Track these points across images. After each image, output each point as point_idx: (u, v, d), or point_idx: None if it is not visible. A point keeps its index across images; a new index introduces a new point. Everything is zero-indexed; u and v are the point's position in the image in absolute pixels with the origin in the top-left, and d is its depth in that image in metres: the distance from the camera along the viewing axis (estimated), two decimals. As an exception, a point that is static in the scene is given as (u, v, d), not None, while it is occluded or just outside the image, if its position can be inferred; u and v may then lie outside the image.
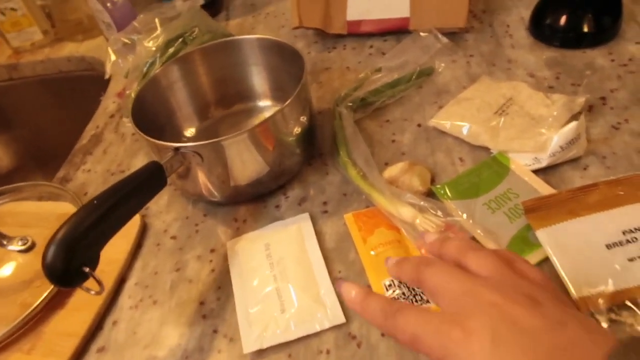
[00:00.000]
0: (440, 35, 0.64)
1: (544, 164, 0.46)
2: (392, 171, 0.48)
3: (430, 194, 0.48)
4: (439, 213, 0.44)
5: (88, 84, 0.91)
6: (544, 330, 0.24)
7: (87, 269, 0.36)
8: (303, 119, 0.51)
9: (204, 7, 0.83)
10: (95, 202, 0.38)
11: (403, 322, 0.28)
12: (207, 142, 0.45)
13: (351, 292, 0.31)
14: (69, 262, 0.35)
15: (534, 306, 0.25)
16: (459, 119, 0.52)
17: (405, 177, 0.47)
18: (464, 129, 0.51)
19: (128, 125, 0.66)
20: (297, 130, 0.50)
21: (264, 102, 0.62)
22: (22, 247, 0.48)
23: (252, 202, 0.52)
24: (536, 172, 0.46)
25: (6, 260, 0.50)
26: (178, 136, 0.60)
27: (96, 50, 0.86)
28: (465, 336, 0.25)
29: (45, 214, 0.55)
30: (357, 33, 0.71)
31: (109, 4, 0.77)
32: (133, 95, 0.61)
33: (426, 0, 0.67)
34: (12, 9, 0.86)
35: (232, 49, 0.58)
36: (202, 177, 0.49)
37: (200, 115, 0.62)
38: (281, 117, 0.48)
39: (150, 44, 0.63)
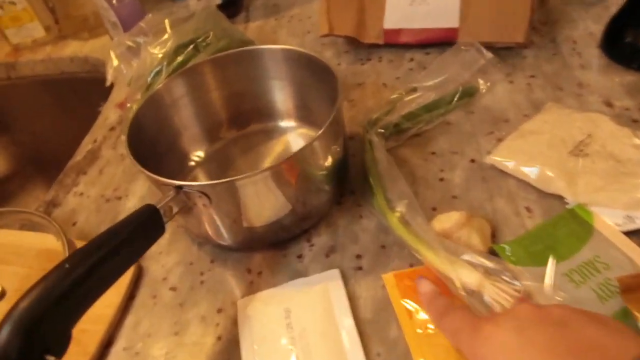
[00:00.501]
0: (484, 50, 0.55)
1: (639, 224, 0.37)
2: (444, 222, 0.39)
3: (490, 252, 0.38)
4: (509, 278, 0.35)
5: (91, 86, 0.83)
6: (569, 327, 0.25)
7: (51, 358, 0.27)
8: (335, 149, 0.42)
9: (221, 7, 0.75)
10: (67, 265, 0.29)
11: (450, 319, 0.31)
12: (216, 183, 0.36)
13: (426, 287, 0.35)
14: (28, 349, 0.26)
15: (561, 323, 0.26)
16: (526, 159, 0.43)
17: (462, 232, 0.37)
18: (533, 171, 0.42)
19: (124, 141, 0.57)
20: (327, 163, 0.41)
21: (287, 122, 0.53)
22: (-11, 298, 0.40)
23: (270, 249, 0.43)
24: (629, 234, 0.37)
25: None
26: (183, 161, 0.51)
27: (101, 50, 0.78)
28: (494, 328, 0.27)
29: (24, 248, 0.47)
30: (396, 43, 0.61)
31: (114, 1, 0.68)
32: (133, 109, 0.53)
33: (479, 8, 0.57)
34: (11, 2, 0.78)
35: (250, 60, 0.49)
36: (209, 219, 0.40)
37: (210, 135, 0.53)
38: (311, 150, 0.38)
39: (157, 50, 0.55)
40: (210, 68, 0.50)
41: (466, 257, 0.36)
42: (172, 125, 0.50)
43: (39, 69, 0.82)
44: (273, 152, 0.51)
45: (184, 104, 0.50)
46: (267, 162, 0.50)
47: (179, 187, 0.37)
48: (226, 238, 0.42)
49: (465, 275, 0.35)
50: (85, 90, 0.84)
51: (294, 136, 0.52)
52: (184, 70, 0.49)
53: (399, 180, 0.43)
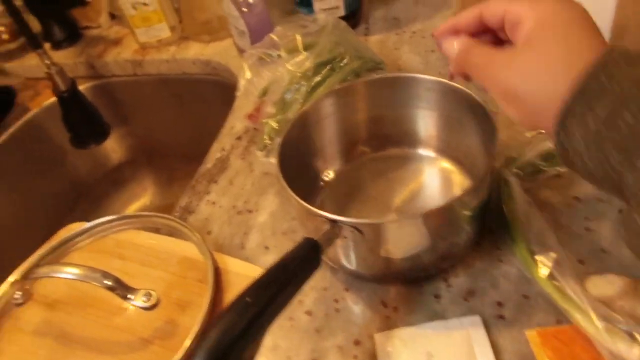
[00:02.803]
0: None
1: None
2: (603, 288, 0.37)
3: (649, 321, 0.36)
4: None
5: (209, 88, 0.86)
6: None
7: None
8: (483, 193, 0.41)
9: (343, 18, 0.75)
10: (248, 299, 0.31)
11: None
12: (373, 223, 0.37)
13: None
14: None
15: None
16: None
17: (625, 302, 0.35)
18: (700, 234, 0.39)
19: (259, 156, 0.59)
20: (473, 205, 0.40)
21: (426, 151, 0.52)
22: (146, 305, 0.43)
23: (404, 283, 0.43)
24: None
25: (124, 314, 0.45)
26: (315, 180, 0.52)
27: (222, 54, 0.81)
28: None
29: (166, 254, 0.50)
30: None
31: (245, 9, 0.70)
32: (271, 124, 0.54)
33: None
34: (144, 4, 0.82)
35: (403, 86, 0.49)
36: (349, 249, 0.41)
37: (343, 155, 0.53)
38: (467, 197, 0.38)
39: (295, 67, 0.56)
40: (362, 90, 0.50)
41: (625, 327, 0.34)
42: (312, 144, 0.51)
43: (163, 69, 0.86)
44: (406, 181, 0.51)
45: (329, 123, 0.51)
46: (400, 191, 0.50)
47: (334, 221, 0.38)
48: (363, 268, 0.43)
49: (624, 350, 0.33)
50: (203, 90, 0.88)
51: (430, 167, 0.51)
52: (336, 90, 0.49)
53: (543, 229, 0.41)
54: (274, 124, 0.56)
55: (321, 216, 0.38)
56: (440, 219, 0.38)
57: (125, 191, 1.03)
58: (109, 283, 0.41)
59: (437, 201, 0.48)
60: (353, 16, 0.76)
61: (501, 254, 0.43)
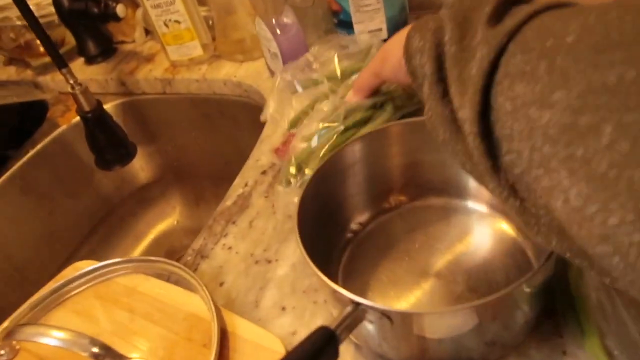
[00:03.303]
0: None
1: None
2: None
3: None
4: None
5: (240, 109, 0.82)
6: None
7: None
8: (547, 269, 0.33)
9: (385, 41, 0.68)
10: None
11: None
12: (409, 312, 0.30)
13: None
14: None
15: None
16: None
17: None
18: None
19: (281, 193, 0.53)
20: (534, 284, 0.33)
21: (477, 205, 0.44)
22: (140, 376, 0.37)
23: (443, 372, 0.36)
24: None
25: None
26: (343, 232, 0.46)
27: (254, 77, 0.76)
28: None
29: (172, 307, 0.45)
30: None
31: (278, 31, 0.65)
32: (292, 162, 0.48)
33: None
34: (176, 22, 0.79)
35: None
36: (379, 337, 0.34)
37: (374, 204, 0.47)
38: (531, 280, 0.30)
39: (326, 107, 0.49)
40: (397, 133, 0.43)
41: None
42: (339, 193, 0.44)
43: (193, 88, 0.82)
44: (450, 238, 0.43)
45: (358, 170, 0.44)
46: (441, 250, 0.43)
47: (357, 304, 0.31)
48: (393, 352, 0.36)
49: None
50: (233, 111, 0.83)
51: (481, 224, 0.44)
52: (366, 134, 0.43)
53: (624, 320, 0.33)
54: (301, 159, 0.50)
55: (342, 296, 0.31)
56: (496, 308, 0.31)
57: (152, 210, 1.00)
58: (97, 351, 0.36)
59: (488, 270, 0.40)
60: (396, 39, 0.70)
61: (565, 343, 0.35)
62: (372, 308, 0.30)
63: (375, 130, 0.43)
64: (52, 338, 0.37)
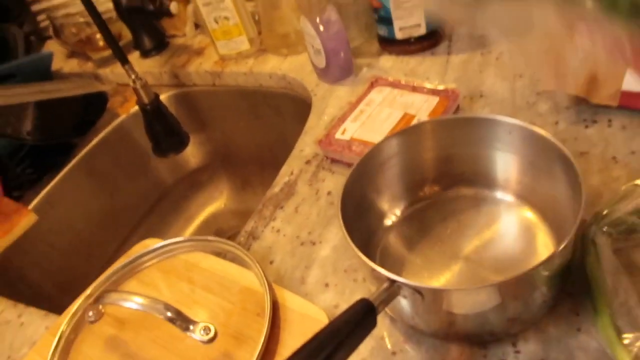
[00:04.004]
0: None
1: None
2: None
3: None
4: None
5: (284, 101, 0.87)
6: None
7: None
8: (566, 253, 0.37)
9: (423, 37, 0.72)
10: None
11: None
12: (436, 289, 0.35)
13: None
14: None
15: None
16: None
17: None
18: None
19: (324, 180, 0.58)
20: (555, 267, 0.37)
21: (503, 195, 0.48)
22: (204, 338, 0.44)
23: (467, 343, 0.40)
24: None
25: (185, 341, 0.46)
26: (380, 219, 0.50)
27: (298, 70, 0.81)
28: None
29: (229, 281, 0.51)
30: (634, 108, 0.53)
31: (322, 28, 0.69)
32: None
33: None
34: (225, 18, 0.84)
35: (478, 127, 0.46)
36: (407, 306, 0.39)
37: (411, 194, 0.51)
38: (549, 262, 0.34)
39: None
40: (431, 129, 0.47)
41: None
42: (377, 184, 0.49)
43: (240, 81, 0.88)
44: (479, 225, 0.47)
45: (394, 163, 0.49)
46: (471, 236, 0.47)
47: (393, 281, 0.36)
48: (423, 325, 0.41)
49: None
50: (278, 103, 0.88)
51: (508, 213, 0.47)
52: (402, 130, 0.47)
53: (634, 303, 0.37)
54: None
55: (380, 274, 0.36)
56: (517, 287, 0.35)
57: (202, 194, 1.08)
58: (170, 315, 0.42)
59: (513, 255, 0.44)
60: (434, 34, 0.73)
61: (580, 321, 0.39)
62: (405, 285, 0.35)
63: (411, 126, 0.47)
64: (133, 302, 0.44)
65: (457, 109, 0.60)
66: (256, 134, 0.96)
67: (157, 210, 1.03)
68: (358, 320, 0.34)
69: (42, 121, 0.87)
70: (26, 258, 0.82)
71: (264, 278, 0.47)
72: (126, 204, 0.99)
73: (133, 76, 0.75)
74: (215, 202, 1.08)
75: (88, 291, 0.51)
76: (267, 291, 0.46)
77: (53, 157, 0.90)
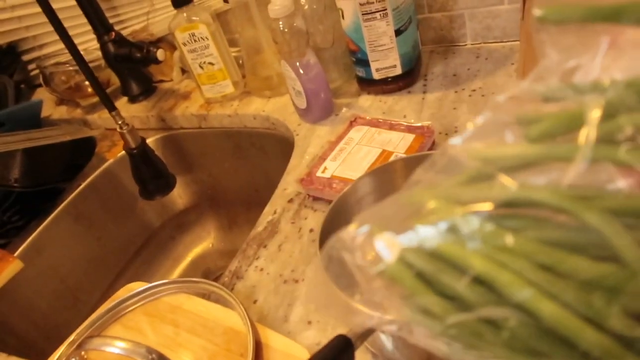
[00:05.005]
0: None
1: None
2: None
3: None
4: None
5: (268, 140, 0.89)
6: None
7: None
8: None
9: (400, 77, 0.75)
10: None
11: None
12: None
13: None
14: None
15: None
16: None
17: None
18: None
19: (306, 218, 0.59)
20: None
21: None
22: (187, 382, 0.44)
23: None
24: None
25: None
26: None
27: (281, 111, 0.83)
28: None
29: (212, 323, 0.51)
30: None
31: (302, 71, 0.72)
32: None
33: None
34: (210, 63, 0.87)
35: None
36: (392, 346, 0.39)
37: (390, 229, 0.52)
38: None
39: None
40: (404, 165, 0.49)
41: None
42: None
43: (226, 122, 0.90)
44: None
45: (371, 200, 0.50)
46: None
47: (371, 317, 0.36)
48: (405, 359, 0.41)
49: None
50: (262, 143, 0.90)
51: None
52: (374, 170, 0.49)
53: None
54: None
55: (359, 311, 0.37)
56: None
57: (190, 235, 1.08)
58: (153, 358, 0.42)
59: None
60: (410, 74, 0.76)
61: None
62: (383, 320, 0.36)
63: (383, 165, 0.49)
64: (115, 347, 0.44)
65: (433, 144, 0.62)
66: (242, 174, 0.98)
67: (144, 253, 1.03)
68: (335, 357, 0.34)
69: (30, 168, 0.88)
70: (11, 306, 0.81)
71: (247, 318, 0.48)
72: (113, 248, 0.99)
73: (120, 122, 0.77)
74: (202, 243, 1.08)
75: (71, 338, 0.51)
76: (250, 331, 0.47)
77: (40, 203, 0.91)
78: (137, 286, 0.57)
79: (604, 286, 0.17)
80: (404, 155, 0.51)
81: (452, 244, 0.21)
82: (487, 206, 0.20)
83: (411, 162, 0.49)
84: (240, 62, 0.93)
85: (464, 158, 0.22)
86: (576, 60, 0.20)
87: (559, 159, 0.19)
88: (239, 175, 0.98)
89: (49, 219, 0.88)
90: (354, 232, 0.25)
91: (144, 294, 0.55)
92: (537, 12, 0.21)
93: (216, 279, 0.57)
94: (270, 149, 0.90)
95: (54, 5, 0.67)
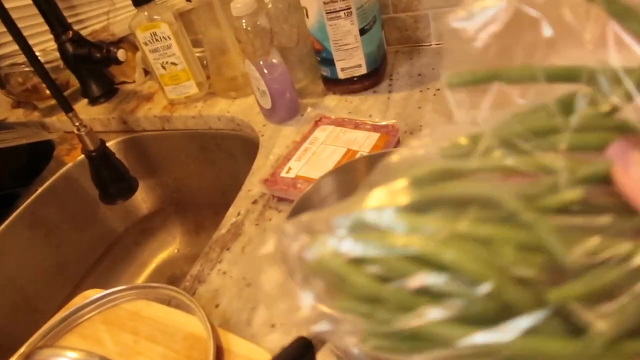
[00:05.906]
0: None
1: None
2: None
3: None
4: None
5: (234, 142, 0.87)
6: None
7: None
8: None
9: (365, 76, 0.74)
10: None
11: None
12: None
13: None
14: None
15: None
16: None
17: None
18: None
19: (271, 219, 0.58)
20: None
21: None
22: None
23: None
24: None
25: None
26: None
27: (246, 112, 0.82)
28: None
29: (172, 329, 0.49)
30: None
31: (266, 71, 0.71)
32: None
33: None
34: (173, 64, 0.85)
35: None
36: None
37: (355, 228, 0.51)
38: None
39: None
40: (367, 163, 0.48)
41: None
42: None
43: (190, 124, 0.88)
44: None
45: (334, 199, 0.49)
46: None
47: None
48: None
49: None
50: (228, 144, 0.89)
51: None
52: (337, 168, 0.48)
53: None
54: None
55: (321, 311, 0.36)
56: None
57: (154, 240, 1.05)
58: (107, 368, 0.40)
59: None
60: (375, 73, 0.76)
61: None
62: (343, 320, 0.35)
63: (346, 163, 0.48)
64: (66, 357, 0.42)
65: (398, 142, 0.62)
66: (208, 176, 0.96)
67: (106, 260, 1.00)
68: (295, 359, 0.33)
69: (-17, 173, 0.84)
70: (-38, 318, 0.77)
71: (208, 323, 0.46)
72: (73, 256, 0.95)
73: (77, 123, 0.74)
74: (168, 248, 1.05)
75: (22, 349, 0.49)
76: (211, 336, 0.45)
77: (-6, 209, 0.87)
78: (94, 293, 0.55)
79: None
80: (364, 154, 0.50)
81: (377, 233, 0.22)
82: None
83: (374, 160, 0.48)
84: (205, 62, 0.91)
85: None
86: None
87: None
88: (205, 178, 0.96)
89: (3, 225, 0.84)
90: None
91: (101, 301, 0.53)
92: (444, 78, 0.24)
93: (181, 285, 0.55)
94: (237, 151, 0.89)
95: (9, 4, 0.65)
